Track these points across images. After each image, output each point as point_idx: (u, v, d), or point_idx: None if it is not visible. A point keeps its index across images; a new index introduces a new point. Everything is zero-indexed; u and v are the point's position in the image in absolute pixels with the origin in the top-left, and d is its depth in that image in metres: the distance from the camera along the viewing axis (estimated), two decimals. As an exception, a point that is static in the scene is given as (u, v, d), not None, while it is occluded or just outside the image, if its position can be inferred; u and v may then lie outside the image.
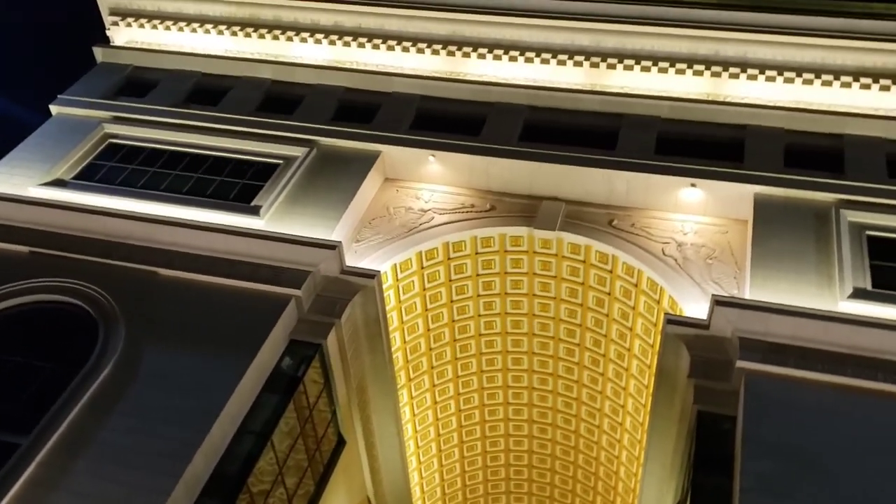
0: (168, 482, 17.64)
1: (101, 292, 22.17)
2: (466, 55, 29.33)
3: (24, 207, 24.60)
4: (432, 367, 29.43)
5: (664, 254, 24.00)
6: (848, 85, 26.19)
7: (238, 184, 26.14)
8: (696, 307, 22.18)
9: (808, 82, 26.50)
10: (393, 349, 26.15)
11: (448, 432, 31.83)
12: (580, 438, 31.00)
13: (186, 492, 18.08)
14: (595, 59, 28.15)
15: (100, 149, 28.14)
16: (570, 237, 25.18)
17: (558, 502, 34.16)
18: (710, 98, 27.09)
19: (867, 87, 26.04)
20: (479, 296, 27.88)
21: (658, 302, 24.38)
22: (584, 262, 25.81)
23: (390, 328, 25.75)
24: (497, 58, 28.96)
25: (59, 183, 26.45)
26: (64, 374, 20.27)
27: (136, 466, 17.94)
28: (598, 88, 27.90)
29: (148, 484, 17.57)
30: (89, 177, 27.01)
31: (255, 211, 24.78)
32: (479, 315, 28.49)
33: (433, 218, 26.12)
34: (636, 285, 24.86)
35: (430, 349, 28.86)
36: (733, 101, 26.83)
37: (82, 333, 21.43)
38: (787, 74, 26.67)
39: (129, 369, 20.30)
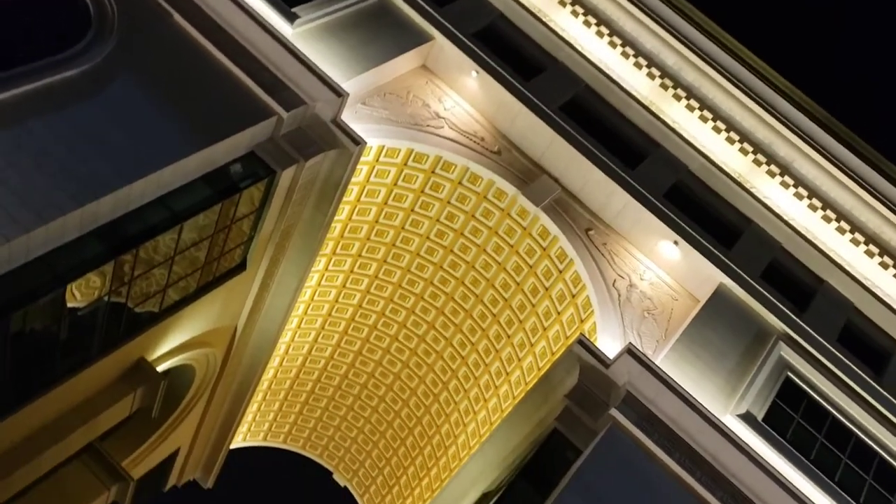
0: (68, 203, 17.40)
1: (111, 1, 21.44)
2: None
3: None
4: (359, 255, 29.47)
5: (613, 285, 24.17)
6: (856, 243, 26.35)
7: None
8: (609, 344, 22.50)
9: (826, 220, 26.57)
10: (336, 218, 26.03)
11: (338, 318, 32.13)
12: (446, 391, 31.62)
13: (80, 222, 17.87)
14: (667, 82, 27.67)
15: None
16: (546, 220, 25.13)
17: (394, 432, 35.00)
18: (738, 178, 26.98)
19: (871, 255, 26.25)
20: (438, 221, 27.84)
21: (582, 321, 24.66)
22: (544, 250, 25.87)
23: (345, 198, 25.58)
24: (586, 23, 28.18)
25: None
26: (36, 50, 19.60)
27: (48, 174, 17.62)
28: (653, 108, 27.51)
29: (49, 195, 17.28)
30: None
31: (291, 17, 24.03)
32: (428, 238, 28.50)
33: (443, 128, 25.76)
34: (574, 296, 25.07)
35: (368, 239, 28.85)
36: (756, 194, 26.78)
37: (74, 26, 20.70)
38: (815, 202, 26.67)
39: (91, 83, 19.74)
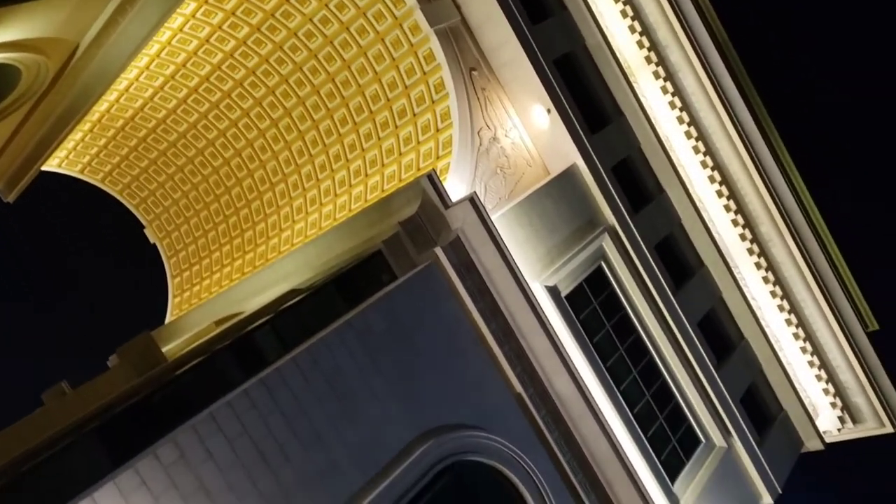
0: None
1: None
2: None
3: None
4: (233, 13, 27.42)
5: (478, 132, 24.21)
6: (704, 166, 27.80)
7: None
8: (455, 187, 22.80)
9: (688, 136, 27.59)
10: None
11: (193, 73, 30.16)
12: (284, 184, 31.09)
13: None
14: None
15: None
16: (435, 45, 24.37)
17: (220, 207, 34.28)
18: (626, 69, 27.20)
19: (713, 181, 27.87)
20: (325, 6, 26.26)
21: (438, 158, 24.68)
22: (424, 74, 25.22)
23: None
24: None
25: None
26: None
27: None
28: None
29: None
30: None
31: None
32: (311, 21, 26.90)
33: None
34: (438, 131, 24.92)
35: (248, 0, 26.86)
36: (636, 90, 27.24)
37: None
38: (684, 116, 27.62)
39: None
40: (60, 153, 33.59)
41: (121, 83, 29.78)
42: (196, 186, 34.64)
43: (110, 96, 30.58)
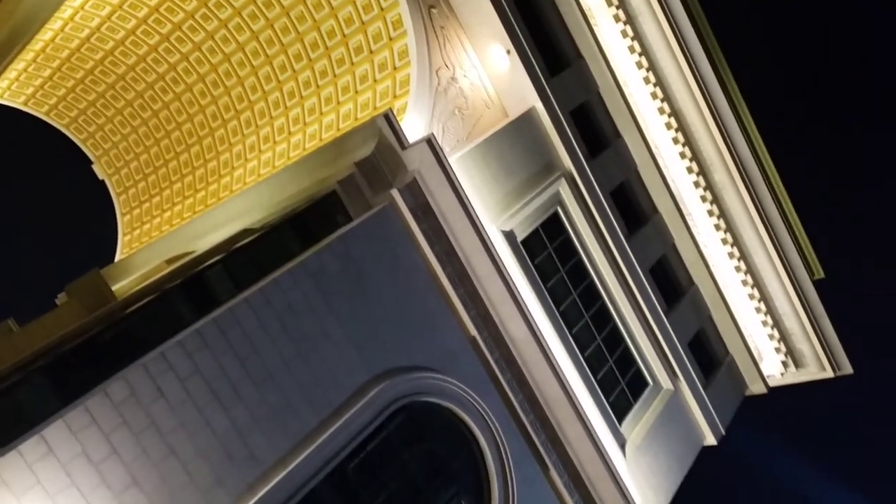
0: None
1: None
2: None
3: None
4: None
5: (437, 72, 23.83)
6: (662, 112, 27.86)
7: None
8: (413, 127, 22.51)
9: (646, 81, 27.55)
10: None
11: (143, 2, 29.06)
12: (236, 121, 30.39)
13: None
14: None
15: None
16: (393, -19, 23.80)
17: (170, 143, 33.45)
18: (587, 12, 26.91)
19: (669, 127, 27.98)
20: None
21: (395, 97, 24.30)
22: (382, 10, 24.64)
23: None
24: None
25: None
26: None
27: None
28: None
29: None
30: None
31: None
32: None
33: None
34: (395, 69, 24.46)
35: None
36: (597, 33, 27.01)
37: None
38: (643, 61, 27.55)
39: None
40: (2, 83, 32.32)
41: (65, 11, 28.57)
42: (146, 122, 33.69)
43: (54, 24, 29.35)
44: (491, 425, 20.68)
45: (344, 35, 25.91)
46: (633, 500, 22.81)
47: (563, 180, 24.78)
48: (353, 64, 25.88)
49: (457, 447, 20.43)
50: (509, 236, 22.86)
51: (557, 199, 24.74)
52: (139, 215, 35.26)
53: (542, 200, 24.08)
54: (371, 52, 25.22)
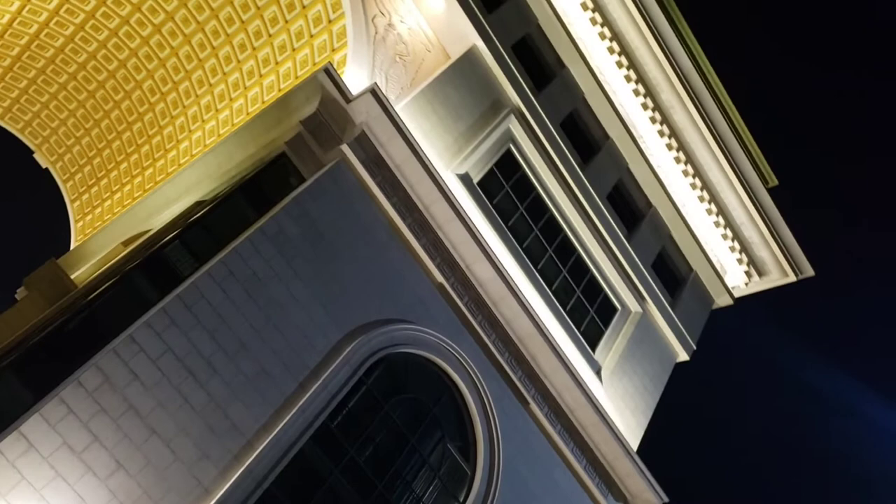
0: None
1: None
2: None
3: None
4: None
5: (373, 20, 23.42)
6: (602, 38, 27.76)
7: None
8: (355, 79, 22.20)
9: (584, 7, 27.33)
10: None
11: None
12: (175, 92, 29.67)
13: None
14: None
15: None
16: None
17: (111, 123, 32.62)
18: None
19: (612, 52, 27.93)
20: None
21: (334, 50, 23.89)
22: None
23: None
24: None
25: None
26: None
27: None
28: None
29: None
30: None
31: None
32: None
33: None
34: (330, 22, 24.00)
35: None
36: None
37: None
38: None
39: None
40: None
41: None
42: (83, 104, 32.75)
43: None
44: (468, 368, 20.96)
45: (274, -7, 25.32)
46: (613, 423, 23.38)
47: (512, 117, 24.72)
48: (287, 22, 25.32)
49: (437, 393, 20.70)
50: (465, 179, 22.85)
51: (509, 137, 24.70)
52: (89, 200, 34.54)
53: (493, 140, 24.03)
54: (304, 6, 24.67)
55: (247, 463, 16.06)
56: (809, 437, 64.48)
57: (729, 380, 65.95)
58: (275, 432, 16.64)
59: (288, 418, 16.94)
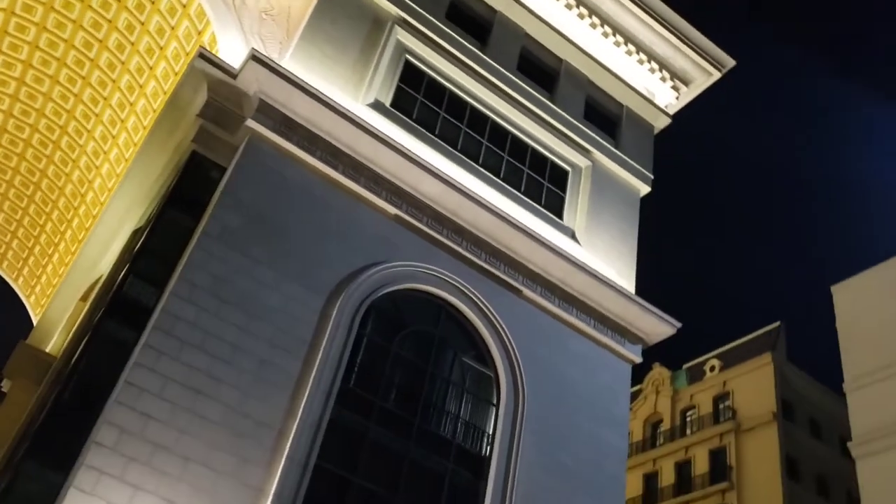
0: None
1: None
2: None
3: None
4: None
5: (226, -12, 22.57)
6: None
7: None
8: (232, 53, 21.55)
9: None
10: None
11: None
12: (66, 135, 28.66)
13: None
14: None
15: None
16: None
17: (18, 190, 31.58)
18: None
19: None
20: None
21: (200, 33, 23.08)
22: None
23: None
24: None
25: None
26: None
27: None
28: None
29: None
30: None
31: None
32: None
33: None
34: (184, 6, 23.10)
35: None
36: None
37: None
38: None
39: None
40: None
41: None
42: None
43: None
44: (452, 281, 21.14)
45: (119, 0, 24.21)
46: (604, 276, 23.83)
47: (397, 28, 24.20)
48: (142, 23, 24.34)
49: (434, 316, 20.93)
50: (377, 106, 22.52)
51: (402, 48, 24.25)
52: (30, 272, 33.74)
53: (388, 57, 23.57)
54: (152, 2, 23.69)
55: (285, 451, 16.28)
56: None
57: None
58: (299, 413, 16.83)
59: (307, 395, 17.11)
